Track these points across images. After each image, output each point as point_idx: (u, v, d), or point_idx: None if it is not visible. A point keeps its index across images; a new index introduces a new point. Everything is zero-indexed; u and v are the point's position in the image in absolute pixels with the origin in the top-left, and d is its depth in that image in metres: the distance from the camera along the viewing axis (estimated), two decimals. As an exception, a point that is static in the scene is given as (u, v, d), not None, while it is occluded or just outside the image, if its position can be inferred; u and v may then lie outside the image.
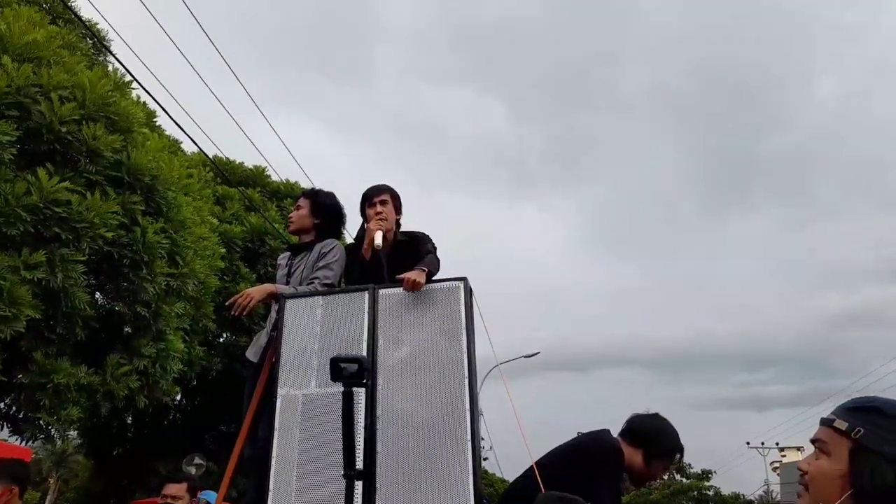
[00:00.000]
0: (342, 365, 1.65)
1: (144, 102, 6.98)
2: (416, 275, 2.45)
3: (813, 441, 1.11)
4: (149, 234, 5.66)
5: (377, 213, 3.03)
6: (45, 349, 5.31)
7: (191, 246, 6.45)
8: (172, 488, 3.21)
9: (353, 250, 3.18)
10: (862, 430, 1.02)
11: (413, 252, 3.05)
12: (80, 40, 7.13)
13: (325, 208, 3.35)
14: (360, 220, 3.25)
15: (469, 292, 2.42)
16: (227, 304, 2.90)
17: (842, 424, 1.05)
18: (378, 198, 3.12)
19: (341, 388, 2.44)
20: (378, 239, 2.82)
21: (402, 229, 3.22)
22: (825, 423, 1.10)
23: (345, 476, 1.65)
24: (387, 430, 2.21)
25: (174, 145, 8.92)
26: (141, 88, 6.45)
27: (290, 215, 3.46)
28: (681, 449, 2.61)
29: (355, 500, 2.23)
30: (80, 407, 5.55)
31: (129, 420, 9.76)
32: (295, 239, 3.45)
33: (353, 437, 1.65)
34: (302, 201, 3.40)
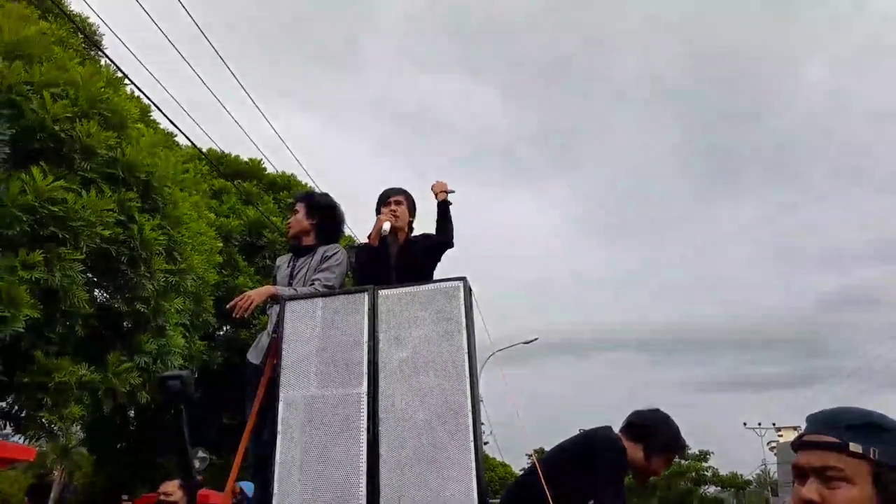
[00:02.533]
0: (168, 383, 1.69)
1: (138, 97, 6.92)
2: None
3: (818, 469, 1.01)
4: (146, 231, 5.64)
5: (391, 210, 3.21)
6: (45, 348, 5.31)
7: (188, 241, 6.44)
8: (166, 486, 3.26)
9: (361, 249, 3.20)
10: (877, 451, 0.97)
11: (423, 249, 3.14)
12: (71, 35, 7.05)
13: (321, 207, 3.35)
14: (367, 218, 3.34)
15: (469, 292, 2.41)
16: (227, 307, 2.90)
17: (857, 448, 0.98)
18: (394, 198, 3.30)
19: (342, 390, 2.46)
20: (386, 226, 3.00)
21: (414, 233, 3.34)
22: (831, 447, 1.01)
23: (182, 485, 1.73)
24: (389, 432, 2.22)
25: (169, 139, 8.86)
26: (133, 85, 6.39)
27: (288, 221, 3.46)
28: (682, 444, 2.62)
29: (360, 501, 2.25)
30: (82, 405, 5.57)
31: (132, 414, 9.80)
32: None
33: (187, 451, 1.71)
34: (297, 205, 3.41)
